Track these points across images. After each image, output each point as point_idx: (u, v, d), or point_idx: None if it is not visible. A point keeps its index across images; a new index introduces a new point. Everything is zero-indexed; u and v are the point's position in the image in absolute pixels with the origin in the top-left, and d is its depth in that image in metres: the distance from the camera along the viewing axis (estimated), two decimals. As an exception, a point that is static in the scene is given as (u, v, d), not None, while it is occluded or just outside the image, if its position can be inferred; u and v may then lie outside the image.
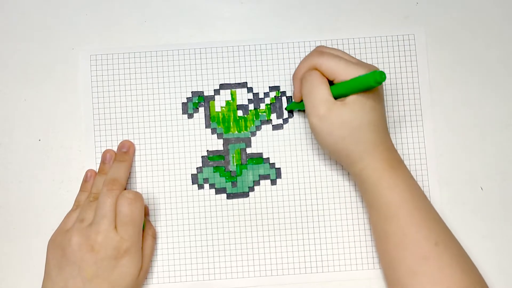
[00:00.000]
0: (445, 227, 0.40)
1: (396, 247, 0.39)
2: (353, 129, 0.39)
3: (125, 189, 0.43)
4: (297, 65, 0.44)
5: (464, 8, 0.48)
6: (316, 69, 0.41)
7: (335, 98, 0.40)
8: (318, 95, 0.40)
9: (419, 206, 0.40)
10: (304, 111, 0.46)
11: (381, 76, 0.36)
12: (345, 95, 0.40)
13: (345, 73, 0.40)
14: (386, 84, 0.47)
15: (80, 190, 0.45)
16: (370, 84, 0.37)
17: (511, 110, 0.47)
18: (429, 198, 0.46)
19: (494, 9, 0.48)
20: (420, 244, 0.38)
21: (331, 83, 0.41)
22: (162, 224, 0.46)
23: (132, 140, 0.46)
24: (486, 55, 0.47)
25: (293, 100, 0.45)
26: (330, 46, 0.47)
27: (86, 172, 0.46)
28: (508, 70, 0.47)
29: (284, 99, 0.47)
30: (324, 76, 0.41)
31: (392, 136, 0.46)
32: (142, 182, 0.46)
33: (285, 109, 0.47)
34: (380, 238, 0.41)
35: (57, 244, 0.41)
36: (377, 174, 0.40)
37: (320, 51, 0.42)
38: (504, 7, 0.48)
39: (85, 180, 0.45)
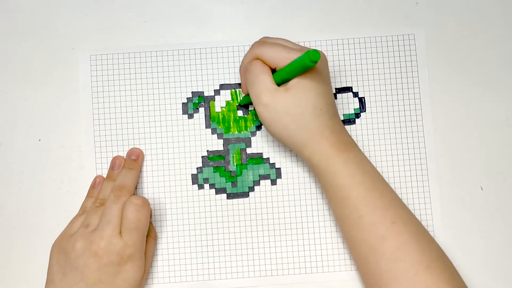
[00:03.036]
0: (403, 206, 0.40)
1: (353, 229, 0.39)
2: (296, 115, 0.39)
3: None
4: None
5: (464, 8, 0.48)
6: (258, 59, 0.41)
7: (279, 85, 0.40)
8: (261, 83, 0.40)
9: (372, 187, 0.39)
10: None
11: (315, 54, 0.36)
12: (287, 81, 0.40)
13: (286, 59, 0.39)
14: (386, 84, 0.47)
15: (87, 196, 0.45)
16: (306, 64, 0.37)
17: (511, 110, 0.47)
18: (429, 198, 0.46)
19: (494, 9, 0.48)
20: (377, 224, 0.38)
21: (274, 71, 0.41)
22: (162, 224, 0.46)
23: (132, 140, 0.46)
24: (486, 55, 0.47)
25: (243, 94, 0.45)
26: (330, 46, 0.47)
27: (94, 178, 0.45)
28: (508, 70, 0.47)
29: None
30: (267, 65, 0.41)
31: (392, 136, 0.46)
32: (142, 182, 0.46)
33: (239, 104, 0.47)
34: (339, 221, 0.41)
35: (61, 249, 0.41)
36: (325, 159, 0.40)
37: (262, 41, 0.42)
38: (504, 7, 0.48)
39: (92, 186, 0.45)
